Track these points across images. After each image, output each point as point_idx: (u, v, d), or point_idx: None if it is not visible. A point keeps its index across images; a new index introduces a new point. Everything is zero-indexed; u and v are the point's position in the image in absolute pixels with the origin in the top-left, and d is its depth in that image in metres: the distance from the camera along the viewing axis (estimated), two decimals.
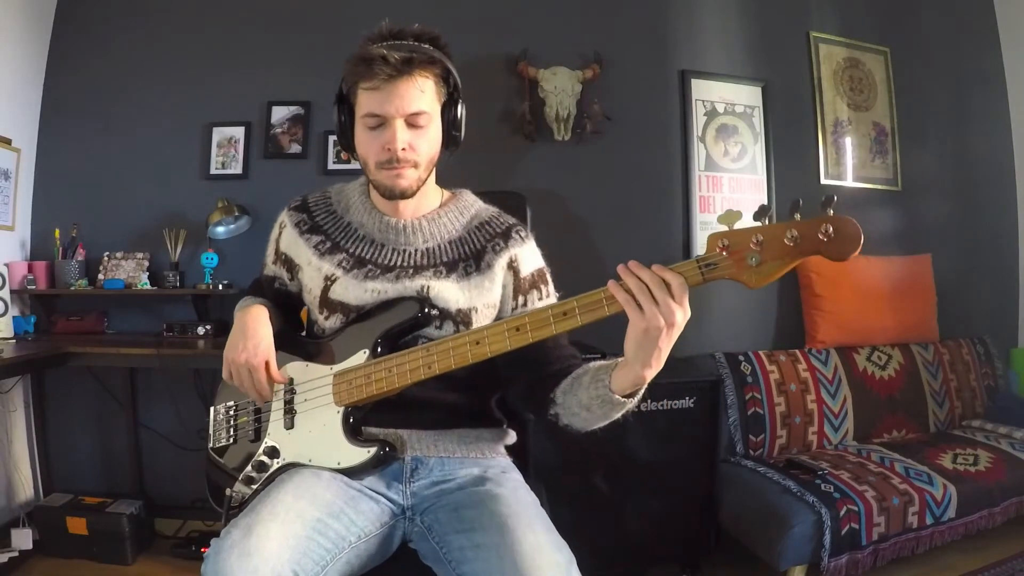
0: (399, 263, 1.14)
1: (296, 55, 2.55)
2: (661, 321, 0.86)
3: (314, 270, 1.16)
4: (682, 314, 0.87)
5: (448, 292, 1.11)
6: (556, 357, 1.10)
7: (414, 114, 1.05)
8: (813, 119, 2.76)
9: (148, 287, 2.41)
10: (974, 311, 2.88)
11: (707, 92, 2.63)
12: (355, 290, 1.12)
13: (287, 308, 1.26)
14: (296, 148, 2.55)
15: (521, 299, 1.16)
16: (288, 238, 1.21)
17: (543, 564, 0.88)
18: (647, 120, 2.59)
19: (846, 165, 2.80)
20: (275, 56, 2.55)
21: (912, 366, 2.58)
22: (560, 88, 2.45)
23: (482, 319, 1.12)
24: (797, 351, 2.50)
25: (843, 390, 2.44)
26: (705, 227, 2.60)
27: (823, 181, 2.75)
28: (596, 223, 2.56)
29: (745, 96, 2.67)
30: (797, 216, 0.86)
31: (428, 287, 1.10)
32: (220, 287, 2.39)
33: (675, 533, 2.12)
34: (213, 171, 2.56)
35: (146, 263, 2.47)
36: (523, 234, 1.19)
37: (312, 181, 2.51)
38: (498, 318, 1.15)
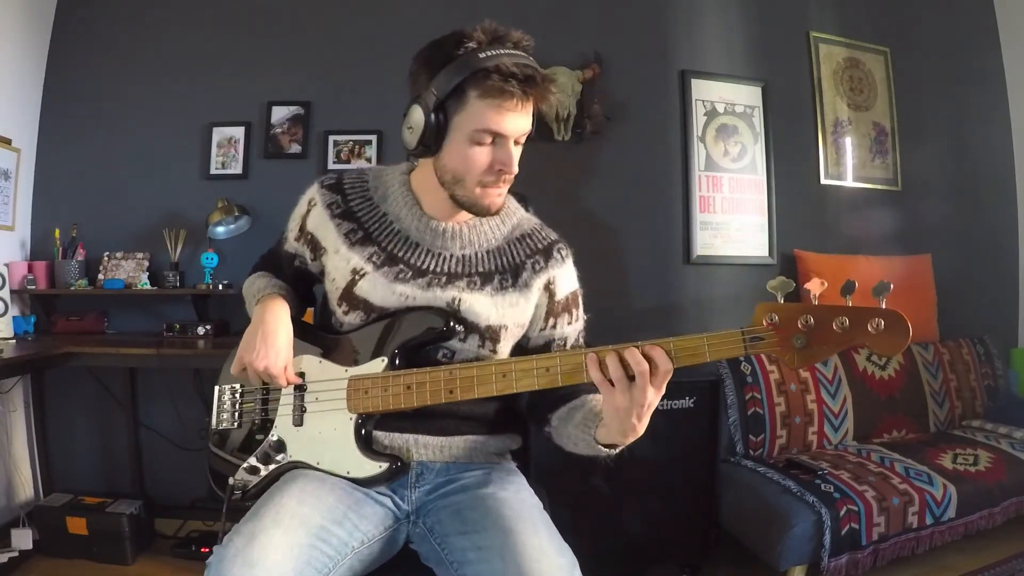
0: (432, 268, 1.09)
1: (296, 55, 2.55)
2: (632, 407, 0.88)
3: (342, 260, 1.10)
4: (655, 396, 0.88)
5: (480, 306, 1.07)
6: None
7: (525, 133, 1.03)
8: (813, 119, 2.76)
9: (148, 287, 2.41)
10: (974, 311, 2.88)
11: (707, 92, 2.63)
12: (382, 291, 1.07)
13: (302, 285, 1.22)
14: (296, 148, 2.55)
15: (552, 321, 1.13)
16: (317, 218, 1.13)
17: (546, 567, 0.88)
18: (647, 120, 2.59)
19: (846, 165, 2.81)
20: (275, 56, 2.55)
21: (912, 366, 2.58)
22: (560, 88, 2.45)
23: (510, 337, 1.10)
24: None
25: (843, 390, 2.44)
26: (705, 227, 2.61)
27: (823, 181, 2.76)
28: (596, 223, 2.56)
29: (745, 96, 2.67)
30: (848, 300, 0.84)
31: (460, 299, 1.06)
32: (220, 287, 2.39)
33: (675, 533, 2.12)
34: (213, 171, 2.56)
35: (146, 263, 2.47)
36: (564, 253, 1.15)
37: (312, 181, 2.51)
38: (524, 336, 1.14)
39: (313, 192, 1.16)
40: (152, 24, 2.58)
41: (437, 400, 1.00)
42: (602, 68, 2.49)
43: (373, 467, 1.03)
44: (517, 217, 1.17)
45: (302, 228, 1.16)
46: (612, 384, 0.88)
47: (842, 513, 1.87)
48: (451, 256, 1.10)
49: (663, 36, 2.61)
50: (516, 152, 1.03)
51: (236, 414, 1.14)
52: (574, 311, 1.15)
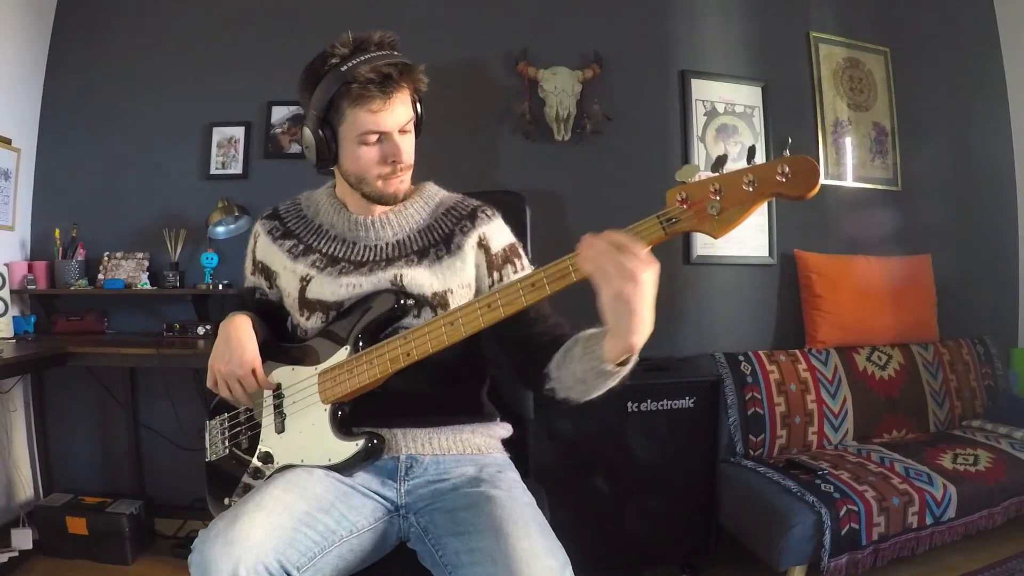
0: (371, 257, 1.17)
1: (296, 55, 2.51)
2: (627, 279, 0.83)
3: (289, 273, 1.18)
4: (644, 268, 0.83)
5: (421, 277, 1.13)
6: (542, 331, 1.09)
7: (406, 123, 1.11)
8: (813, 119, 2.75)
9: (148, 287, 2.41)
10: (974, 311, 2.87)
11: (707, 92, 2.62)
12: (330, 286, 1.14)
13: (271, 318, 1.25)
14: (296, 148, 2.55)
15: (496, 275, 1.18)
16: (263, 246, 1.24)
17: (536, 570, 0.88)
18: (647, 120, 2.59)
19: (846, 165, 2.80)
20: (275, 56, 2.54)
21: (912, 366, 2.58)
22: (560, 88, 2.45)
23: (459, 300, 1.14)
24: (797, 351, 2.50)
25: (843, 390, 2.44)
26: None
27: (823, 181, 2.74)
28: (596, 223, 2.50)
29: (745, 96, 2.67)
30: (754, 162, 0.87)
31: (401, 275, 1.13)
32: (220, 287, 2.39)
33: (675, 533, 2.12)
34: (213, 171, 2.56)
35: (146, 263, 2.47)
36: (489, 213, 1.21)
37: (312, 181, 2.46)
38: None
39: (256, 226, 1.27)
40: (152, 24, 2.58)
41: (397, 365, 1.02)
42: (602, 68, 2.49)
43: (350, 447, 1.06)
44: (439, 197, 1.25)
45: (254, 261, 1.26)
46: (606, 268, 0.85)
47: (842, 513, 1.87)
48: (386, 244, 1.18)
49: (663, 36, 2.61)
50: (405, 140, 1.12)
51: (225, 441, 1.19)
52: (517, 262, 1.20)
